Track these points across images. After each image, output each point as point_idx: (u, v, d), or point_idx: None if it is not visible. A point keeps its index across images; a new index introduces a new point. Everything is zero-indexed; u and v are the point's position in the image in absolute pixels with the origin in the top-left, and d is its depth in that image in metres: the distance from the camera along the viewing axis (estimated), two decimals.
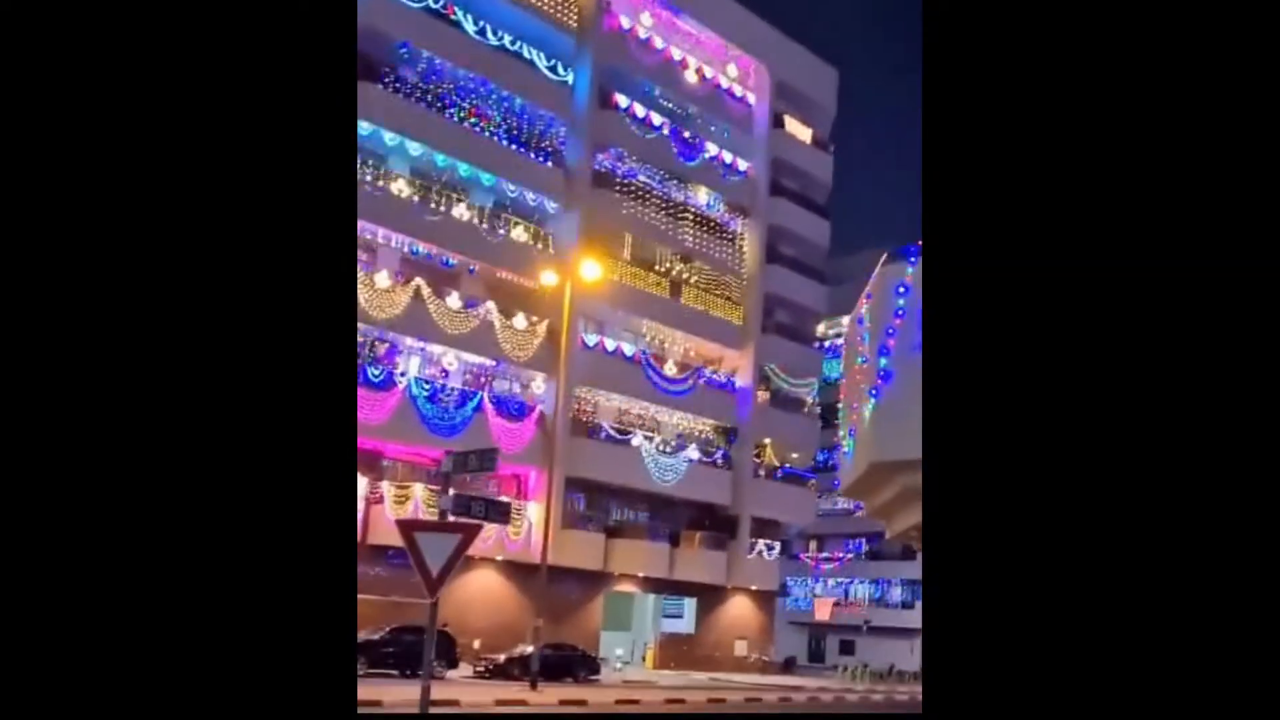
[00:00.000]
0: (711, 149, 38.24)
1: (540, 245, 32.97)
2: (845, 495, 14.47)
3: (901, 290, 9.78)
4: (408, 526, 7.84)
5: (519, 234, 32.66)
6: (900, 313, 9.78)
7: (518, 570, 31.66)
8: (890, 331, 9.83)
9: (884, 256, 10.21)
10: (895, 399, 9.39)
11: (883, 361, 9.78)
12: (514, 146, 32.27)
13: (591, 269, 26.72)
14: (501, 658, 27.33)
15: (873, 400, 9.92)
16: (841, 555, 58.56)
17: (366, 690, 18.30)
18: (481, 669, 26.27)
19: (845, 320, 57.89)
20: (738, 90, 39.85)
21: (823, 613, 56.82)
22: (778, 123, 41.44)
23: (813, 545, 58.53)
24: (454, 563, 7.64)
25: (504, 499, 8.67)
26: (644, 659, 37.25)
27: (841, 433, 12.52)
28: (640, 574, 35.49)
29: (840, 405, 13.14)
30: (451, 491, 8.33)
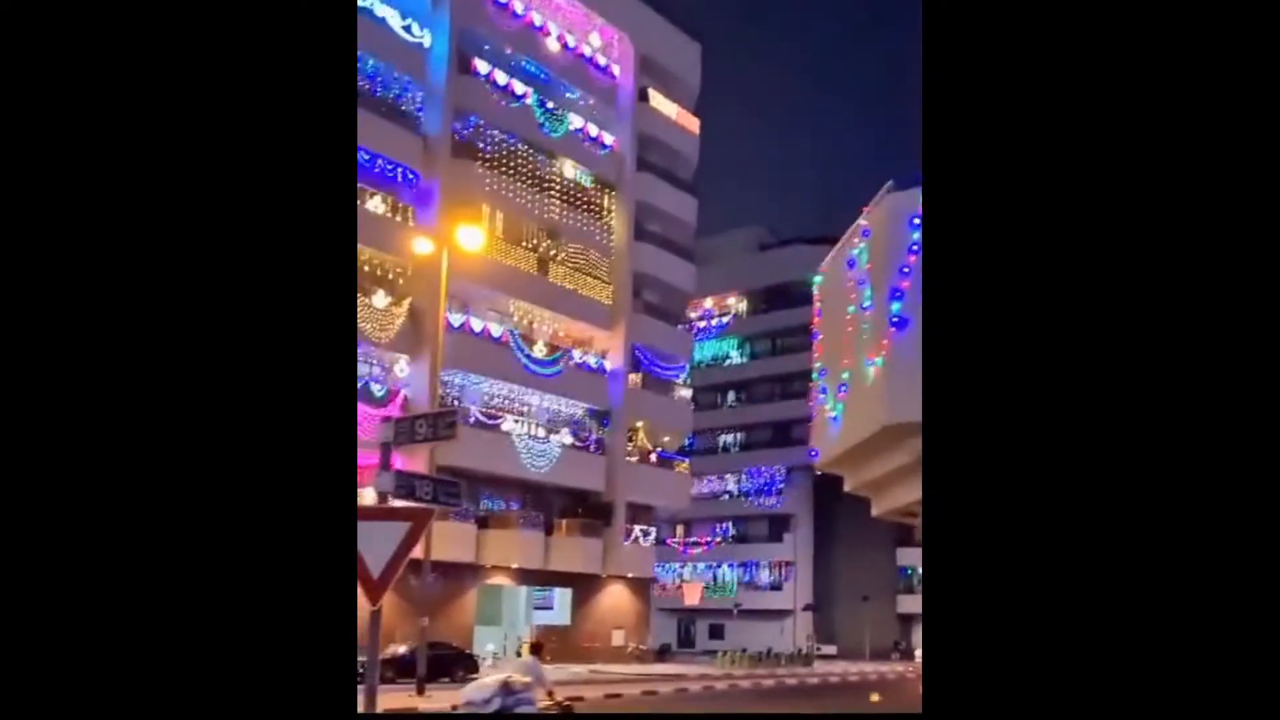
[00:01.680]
0: (576, 121, 36.70)
1: (399, 218, 30.76)
2: (827, 468, 11.91)
3: (917, 222, 8.48)
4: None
5: (375, 205, 30.34)
6: (916, 248, 8.47)
7: None
8: (905, 271, 8.52)
9: (887, 186, 8.56)
10: (915, 349, 8.09)
11: (895, 306, 8.50)
12: (366, 111, 29.93)
13: (472, 236, 24.68)
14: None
15: (882, 354, 8.35)
16: (709, 539, 58.17)
17: None
18: None
19: (709, 302, 57.78)
20: (601, 60, 38.43)
21: (692, 598, 56.28)
22: (642, 97, 40.27)
23: (679, 530, 57.87)
24: (401, 559, 5.80)
25: (451, 478, 7.22)
26: (518, 654, 35.54)
27: (826, 397, 10.49)
28: (514, 565, 33.76)
29: (818, 365, 11.10)
30: (393, 468, 6.52)
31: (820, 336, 10.85)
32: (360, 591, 5.75)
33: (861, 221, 9.16)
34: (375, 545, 5.71)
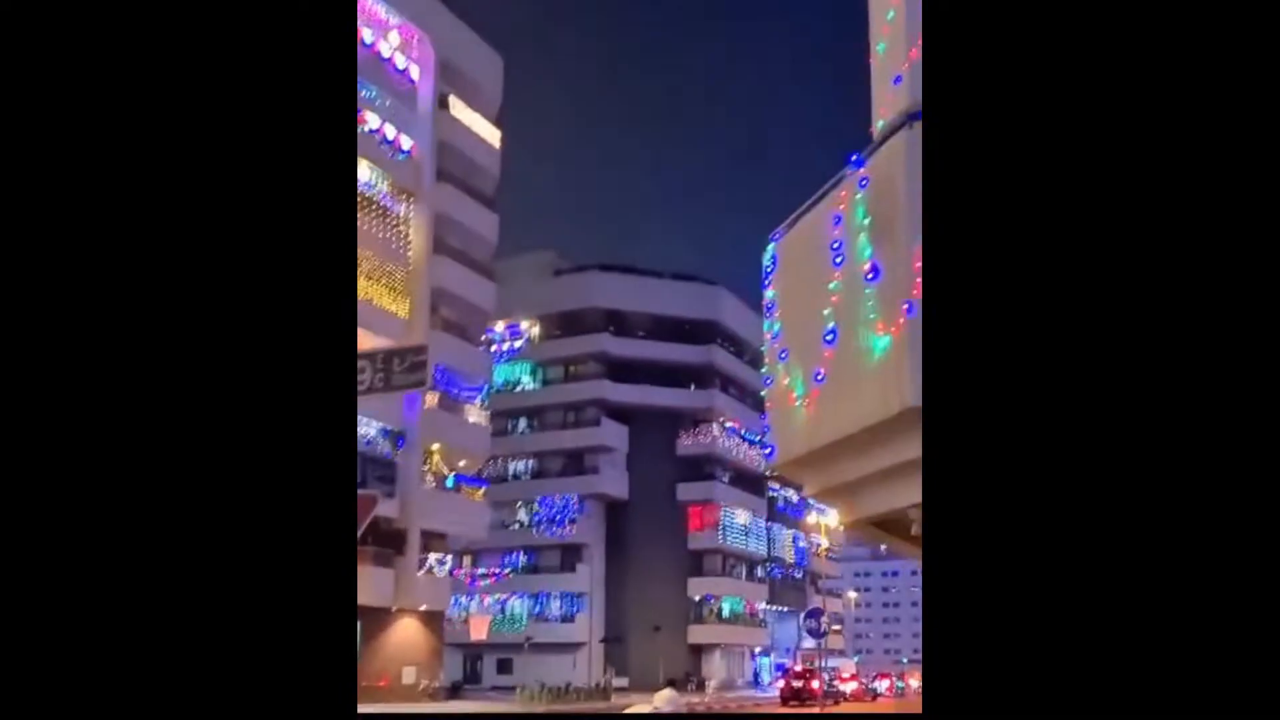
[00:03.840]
0: (372, 120, 34.39)
1: None
2: (786, 470, 9.97)
3: None
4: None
5: None
6: None
7: None
8: None
9: (905, 122, 7.00)
10: None
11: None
12: None
13: None
14: None
15: (896, 328, 6.74)
16: (499, 570, 55.93)
17: None
18: None
19: (500, 325, 56.08)
20: (400, 61, 36.34)
21: (479, 632, 53.73)
22: (443, 104, 38.42)
23: (466, 560, 55.28)
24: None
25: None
26: None
27: (791, 383, 8.69)
28: None
29: (777, 348, 9.27)
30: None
31: (777, 313, 9.08)
32: None
33: (858, 171, 7.59)
34: None
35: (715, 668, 56.45)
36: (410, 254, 35.84)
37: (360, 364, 4.75)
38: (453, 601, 50.92)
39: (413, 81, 36.96)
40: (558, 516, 55.48)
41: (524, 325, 57.51)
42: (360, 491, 4.86)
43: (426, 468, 35.93)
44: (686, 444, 56.87)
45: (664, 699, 13.81)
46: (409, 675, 34.67)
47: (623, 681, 50.52)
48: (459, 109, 39.20)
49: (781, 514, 64.73)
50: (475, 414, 38.81)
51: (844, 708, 38.76)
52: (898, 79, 8.01)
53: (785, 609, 63.74)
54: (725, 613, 57.60)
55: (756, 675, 62.20)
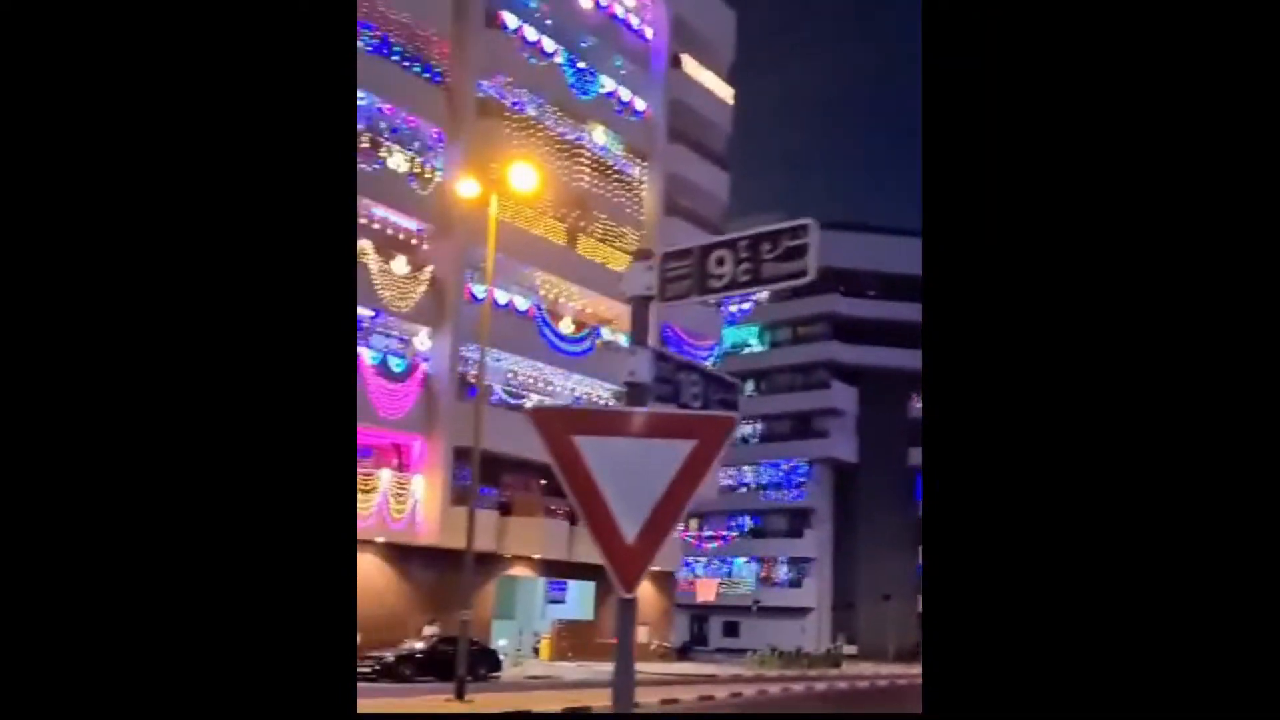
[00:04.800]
0: (608, 83, 34.43)
1: (421, 178, 28.47)
2: None
3: None
4: (555, 425, 3.55)
5: (398, 163, 28.06)
6: None
7: (400, 553, 27.27)
8: None
9: None
10: None
11: None
12: (389, 64, 27.63)
13: (525, 175, 22.31)
14: (390, 655, 23.08)
15: None
16: (725, 533, 55.97)
17: None
18: (367, 670, 21.88)
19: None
20: (634, 21, 36.18)
21: (706, 594, 54.11)
22: (675, 63, 38.01)
23: (693, 523, 55.59)
24: (679, 503, 3.43)
25: (730, 376, 5.07)
26: (535, 650, 33.43)
27: None
28: (536, 555, 31.58)
29: None
30: (649, 348, 4.03)
31: None
32: (606, 561, 3.44)
33: None
34: (628, 484, 3.36)
35: None
36: (643, 216, 35.82)
37: (718, 254, 3.75)
38: (682, 563, 51.47)
39: (646, 41, 36.72)
40: (785, 480, 54.77)
41: None
42: (718, 414, 4.09)
43: None
44: (919, 407, 54.65)
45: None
46: (641, 635, 35.14)
47: (853, 649, 49.53)
48: (691, 67, 38.69)
49: None
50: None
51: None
52: None
53: None
54: None
55: None
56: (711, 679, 28.87)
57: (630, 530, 3.44)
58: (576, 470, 3.49)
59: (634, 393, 3.86)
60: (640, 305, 4.06)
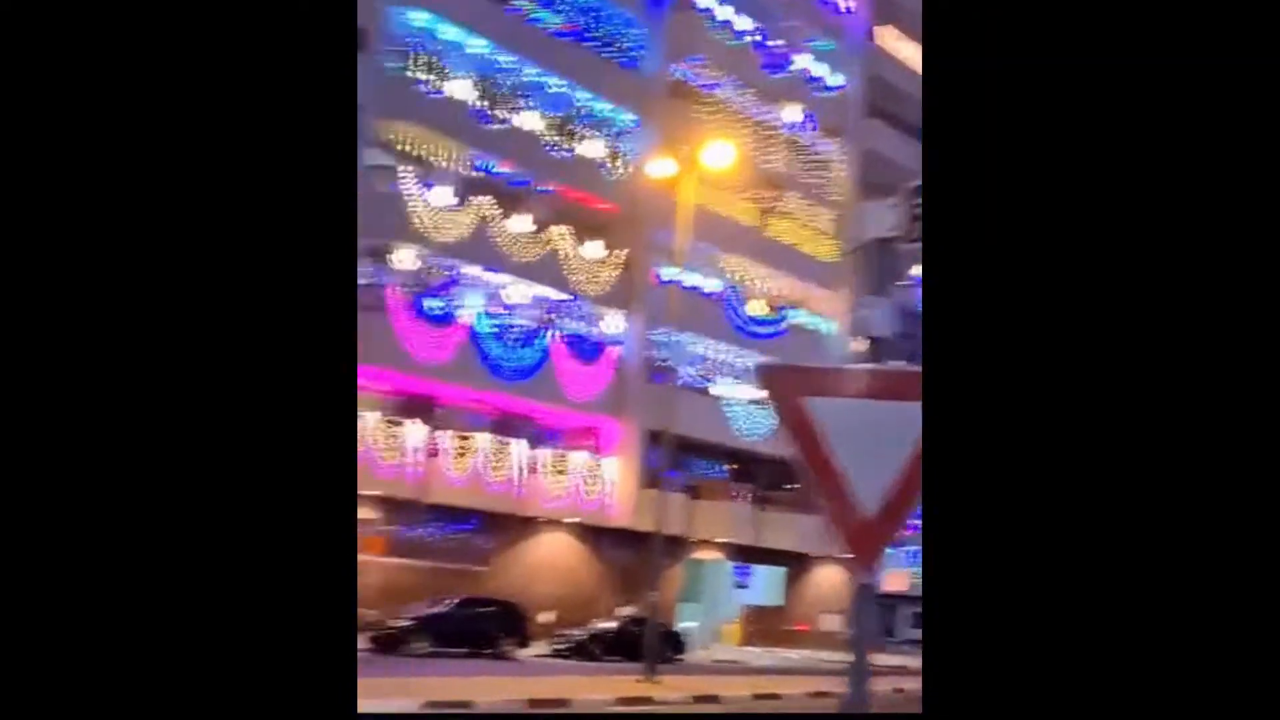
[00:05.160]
0: (801, 60, 33.64)
1: (614, 162, 28.68)
2: None
3: None
4: (784, 385, 3.30)
5: (591, 148, 28.34)
6: None
7: (591, 534, 27.76)
8: None
9: None
10: None
11: None
12: (586, 45, 27.89)
13: (721, 153, 22.20)
14: (582, 634, 23.55)
15: None
16: (916, 523, 54.50)
17: (445, 684, 13.91)
18: (560, 647, 22.40)
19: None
20: None
21: (896, 585, 52.85)
22: (871, 34, 36.77)
23: None
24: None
25: None
26: (720, 635, 33.46)
27: None
28: (722, 539, 31.51)
29: None
30: (890, 299, 3.80)
31: None
32: (834, 527, 3.27)
33: None
34: (865, 448, 3.11)
35: None
36: (837, 195, 34.96)
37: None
38: None
39: (842, 14, 35.68)
40: None
41: None
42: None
43: None
44: None
45: None
46: (828, 623, 34.61)
47: None
48: (890, 37, 37.35)
49: None
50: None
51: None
52: None
53: None
54: None
55: None
56: (902, 670, 28.05)
57: (869, 503, 3.18)
58: (807, 435, 3.21)
59: (874, 349, 3.59)
60: (877, 251, 3.77)
